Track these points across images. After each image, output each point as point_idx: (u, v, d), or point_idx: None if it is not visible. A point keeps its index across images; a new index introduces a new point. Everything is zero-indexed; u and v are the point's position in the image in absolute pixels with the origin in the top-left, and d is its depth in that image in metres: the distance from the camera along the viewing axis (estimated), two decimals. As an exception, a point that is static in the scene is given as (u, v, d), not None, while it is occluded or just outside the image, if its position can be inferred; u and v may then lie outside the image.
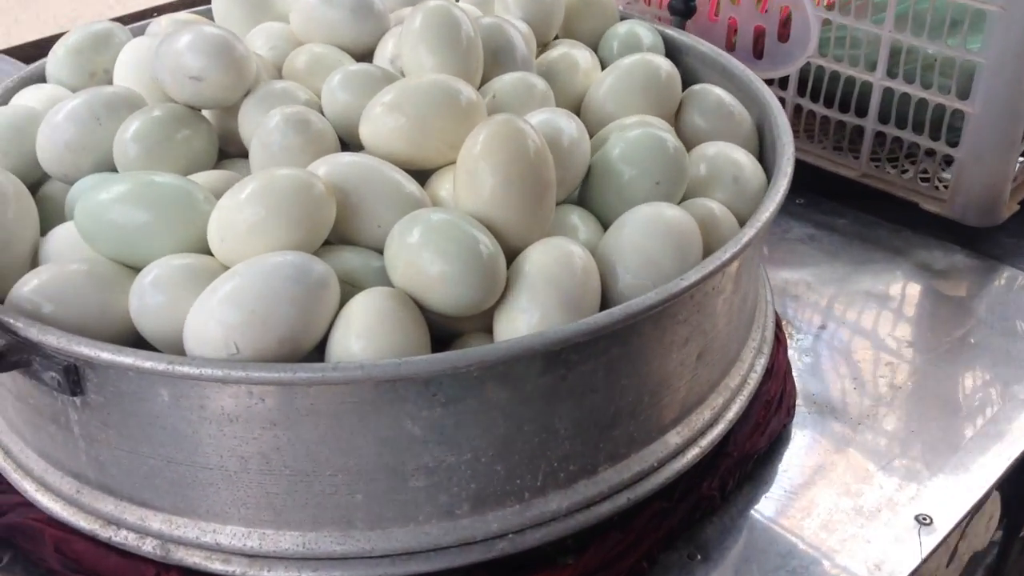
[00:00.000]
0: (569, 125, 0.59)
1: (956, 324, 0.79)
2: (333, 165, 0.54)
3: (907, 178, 0.89)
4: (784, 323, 0.78)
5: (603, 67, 0.76)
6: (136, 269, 0.52)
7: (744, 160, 0.64)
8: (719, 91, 0.70)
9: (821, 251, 0.88)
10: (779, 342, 0.70)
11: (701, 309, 0.56)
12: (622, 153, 0.60)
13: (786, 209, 0.95)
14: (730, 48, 0.96)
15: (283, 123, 0.56)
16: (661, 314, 0.52)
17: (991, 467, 0.65)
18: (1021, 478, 0.68)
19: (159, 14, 1.20)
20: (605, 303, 0.53)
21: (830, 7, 0.89)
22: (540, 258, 0.51)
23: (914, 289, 0.84)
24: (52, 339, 0.48)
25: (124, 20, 1.20)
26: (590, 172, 0.60)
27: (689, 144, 0.69)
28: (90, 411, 0.51)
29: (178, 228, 0.52)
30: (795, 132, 0.95)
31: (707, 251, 0.56)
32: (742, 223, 0.60)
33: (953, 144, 0.84)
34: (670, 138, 0.60)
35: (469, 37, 0.64)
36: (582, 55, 0.72)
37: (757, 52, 0.95)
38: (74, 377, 0.49)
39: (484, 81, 0.66)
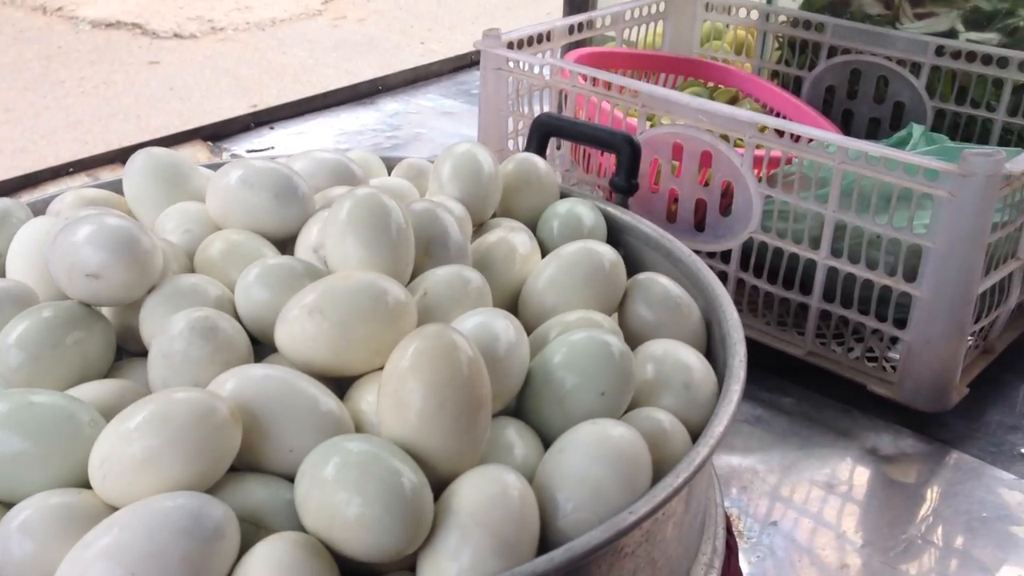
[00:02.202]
0: (507, 329, 0.55)
1: (910, 518, 0.75)
2: (242, 380, 0.48)
3: (853, 358, 0.86)
4: (733, 518, 0.74)
5: (543, 247, 0.72)
6: (8, 506, 0.45)
7: (694, 362, 0.60)
8: (665, 281, 0.67)
9: (769, 433, 0.84)
10: (730, 550, 0.65)
11: (650, 538, 0.50)
12: (564, 359, 0.55)
13: (732, 387, 0.92)
14: (671, 218, 0.94)
15: (187, 330, 0.50)
16: (606, 550, 0.47)
17: None
18: None
19: (75, 170, 1.16)
20: (544, 539, 0.48)
21: (772, 179, 0.87)
22: (471, 492, 0.46)
23: (864, 476, 0.80)
24: None
25: (37, 176, 1.15)
26: (529, 379, 0.56)
27: (634, 337, 0.65)
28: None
29: (58, 459, 0.45)
30: (738, 306, 0.93)
31: (657, 470, 0.51)
32: (693, 432, 0.56)
33: (901, 322, 0.81)
34: (616, 342, 0.56)
35: (400, 228, 0.59)
36: (520, 240, 0.68)
37: (698, 224, 0.93)
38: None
39: (416, 272, 0.61)
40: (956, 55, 1.06)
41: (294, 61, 3.75)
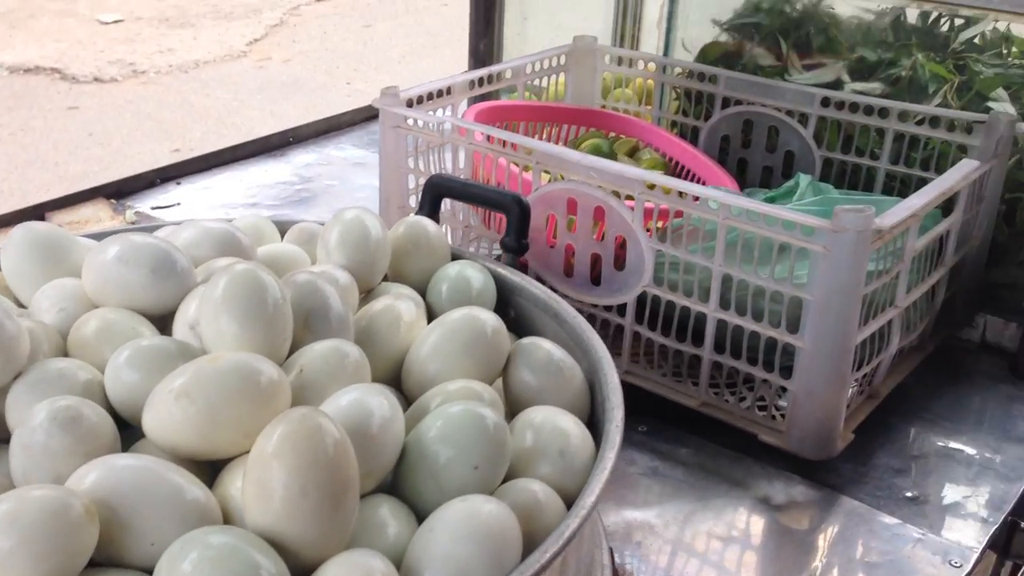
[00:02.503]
0: (381, 405, 0.55)
1: (802, 566, 0.76)
2: (103, 472, 0.48)
3: (744, 407, 0.88)
4: (629, 574, 0.74)
5: (432, 311, 0.73)
6: None
7: (572, 428, 0.61)
8: (548, 345, 0.68)
9: (665, 485, 0.85)
10: (619, 611, 0.66)
11: (522, 613, 0.51)
12: (439, 433, 0.56)
13: (629, 439, 0.92)
14: (568, 273, 0.96)
15: (47, 421, 0.50)
16: (474, 631, 0.47)
17: None
18: None
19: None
20: (412, 623, 0.48)
21: (662, 234, 0.89)
22: (335, 581, 0.46)
23: (758, 525, 0.81)
24: None
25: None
26: (405, 453, 0.56)
27: (518, 402, 0.66)
28: None
29: (-95, 562, 0.44)
30: (635, 358, 0.94)
31: (530, 542, 0.52)
32: (570, 499, 0.57)
33: (789, 371, 0.84)
34: (490, 415, 0.57)
35: (276, 304, 0.59)
36: (406, 307, 0.69)
37: (595, 278, 0.95)
38: None
39: (296, 346, 0.61)
40: (840, 106, 1.10)
41: (218, 104, 3.73)
